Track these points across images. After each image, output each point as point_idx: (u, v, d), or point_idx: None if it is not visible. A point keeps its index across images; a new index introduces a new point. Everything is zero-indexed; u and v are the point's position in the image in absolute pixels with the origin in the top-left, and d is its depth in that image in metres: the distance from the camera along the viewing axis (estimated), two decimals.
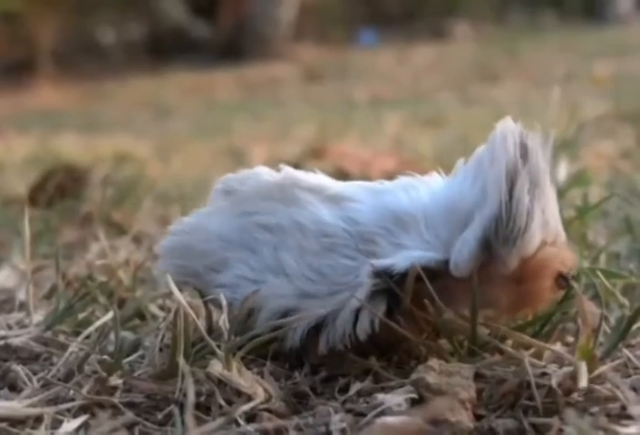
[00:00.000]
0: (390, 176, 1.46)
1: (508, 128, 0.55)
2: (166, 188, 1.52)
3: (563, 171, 1.14)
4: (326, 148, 1.95)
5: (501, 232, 0.53)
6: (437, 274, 0.55)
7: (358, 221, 0.58)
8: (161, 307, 0.78)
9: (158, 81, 5.66)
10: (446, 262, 0.55)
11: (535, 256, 0.55)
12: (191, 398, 0.47)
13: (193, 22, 7.14)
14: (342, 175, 1.55)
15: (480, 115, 2.75)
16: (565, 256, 0.56)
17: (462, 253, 0.54)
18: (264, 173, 0.63)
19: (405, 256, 0.56)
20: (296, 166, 1.77)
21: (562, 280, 0.56)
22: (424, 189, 0.59)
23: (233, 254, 0.62)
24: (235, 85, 5.33)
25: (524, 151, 0.54)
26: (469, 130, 2.27)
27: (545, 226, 0.54)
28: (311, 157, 1.90)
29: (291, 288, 0.59)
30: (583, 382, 0.51)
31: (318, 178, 0.62)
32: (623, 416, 0.51)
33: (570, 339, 0.64)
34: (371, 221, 0.58)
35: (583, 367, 0.52)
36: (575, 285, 0.56)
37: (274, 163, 1.80)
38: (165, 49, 6.78)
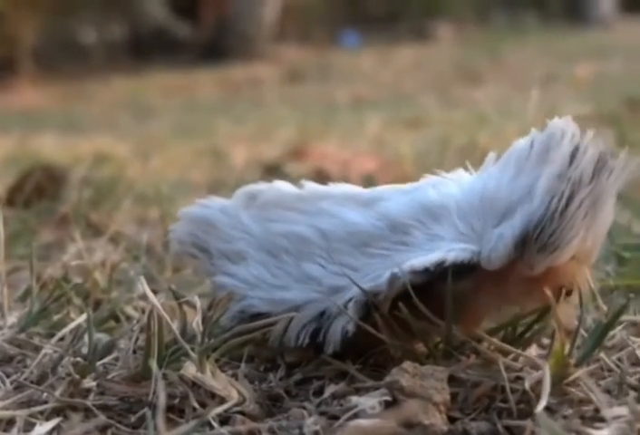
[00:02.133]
0: (370, 177, 1.46)
1: (568, 126, 0.54)
2: (145, 188, 1.51)
3: None
4: (307, 149, 1.96)
5: (543, 239, 0.52)
6: (469, 267, 0.54)
7: (389, 215, 0.58)
8: (141, 309, 0.78)
9: (139, 81, 5.65)
10: (480, 253, 0.54)
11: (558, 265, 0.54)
12: (162, 401, 0.47)
13: (175, 22, 7.12)
14: (322, 176, 1.55)
15: (462, 116, 2.76)
16: (581, 275, 0.56)
17: (498, 248, 0.53)
18: (284, 186, 0.64)
19: (444, 248, 0.55)
20: (277, 167, 1.77)
21: (565, 293, 0.56)
22: (453, 184, 0.58)
23: (253, 251, 0.62)
24: (216, 86, 5.32)
25: (600, 166, 0.53)
26: (450, 131, 2.27)
27: (582, 243, 0.53)
28: (291, 158, 1.90)
29: (320, 290, 0.59)
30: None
31: (345, 188, 0.62)
32: (596, 418, 0.51)
33: (546, 341, 0.64)
34: (403, 214, 0.57)
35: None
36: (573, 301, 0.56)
37: (254, 164, 1.80)
38: (146, 49, 6.77)
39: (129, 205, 1.32)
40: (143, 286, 0.60)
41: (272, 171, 1.70)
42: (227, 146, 2.30)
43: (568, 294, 0.56)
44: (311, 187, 0.63)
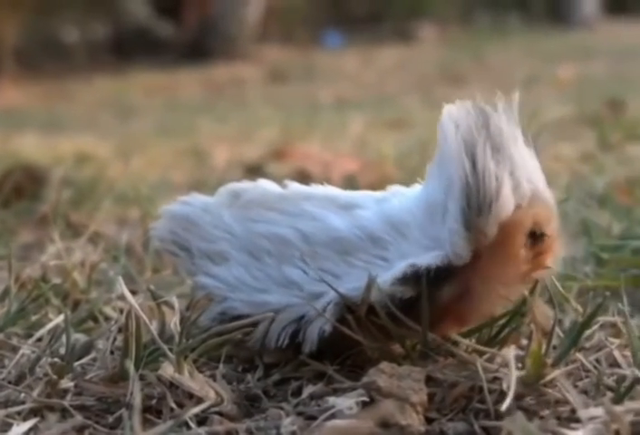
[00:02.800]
0: (351, 178, 1.46)
1: (453, 108, 0.55)
2: (126, 188, 1.51)
3: None
4: (288, 149, 1.96)
5: (475, 203, 0.53)
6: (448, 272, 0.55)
7: (367, 227, 0.58)
8: (119, 309, 0.77)
9: (121, 81, 5.63)
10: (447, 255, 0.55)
11: (508, 219, 0.54)
12: (138, 402, 0.47)
13: (157, 22, 7.10)
14: (303, 177, 1.55)
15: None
16: (537, 214, 0.55)
17: (457, 242, 0.54)
18: (268, 185, 0.64)
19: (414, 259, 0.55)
20: (259, 167, 1.77)
21: (533, 238, 0.55)
22: (410, 195, 0.59)
23: (235, 252, 0.62)
24: (199, 86, 5.31)
25: (482, 119, 0.54)
26: (431, 132, 2.27)
27: (516, 188, 0.54)
28: (273, 158, 1.90)
29: (301, 295, 0.59)
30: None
31: (326, 190, 0.63)
32: (572, 419, 0.51)
33: (525, 342, 0.64)
34: (378, 227, 0.58)
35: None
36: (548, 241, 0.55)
37: (236, 164, 1.80)
38: (129, 49, 6.74)
39: (109, 205, 1.31)
40: (121, 287, 0.60)
41: (253, 172, 1.70)
42: (208, 146, 2.29)
43: (535, 238, 0.55)
44: (294, 187, 0.63)
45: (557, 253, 0.57)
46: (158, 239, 0.68)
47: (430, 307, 0.55)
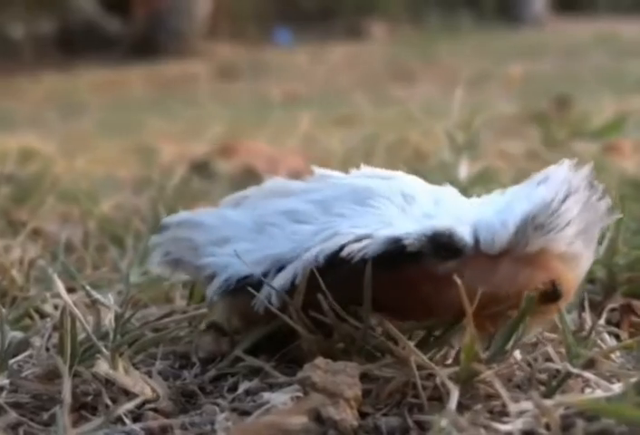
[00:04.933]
0: (298, 174, 1.47)
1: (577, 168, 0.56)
2: (70, 186, 1.50)
3: (464, 170, 1.16)
4: (236, 146, 1.96)
5: (540, 220, 0.53)
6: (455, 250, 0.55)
7: (405, 190, 0.58)
8: (55, 306, 0.77)
9: (68, 77, 5.58)
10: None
11: (549, 253, 0.55)
12: (68, 398, 0.47)
13: (105, 17, 7.05)
14: (250, 173, 1.55)
15: (392, 115, 2.78)
16: (568, 278, 0.56)
17: (500, 232, 0.54)
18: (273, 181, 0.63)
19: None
20: (204, 164, 1.76)
21: (549, 288, 0.55)
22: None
23: (240, 233, 0.61)
24: (148, 82, 5.28)
25: (591, 187, 0.56)
26: (379, 129, 2.29)
27: (570, 245, 0.55)
28: (220, 155, 1.90)
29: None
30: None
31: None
32: (504, 413, 0.51)
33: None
34: (418, 194, 0.58)
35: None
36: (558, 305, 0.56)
37: (182, 161, 1.78)
38: (76, 45, 6.69)
39: (52, 202, 1.30)
40: (57, 284, 0.60)
41: (199, 168, 1.70)
42: (156, 143, 2.28)
43: (552, 296, 0.55)
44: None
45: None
46: (157, 265, 0.65)
47: (417, 271, 0.55)
